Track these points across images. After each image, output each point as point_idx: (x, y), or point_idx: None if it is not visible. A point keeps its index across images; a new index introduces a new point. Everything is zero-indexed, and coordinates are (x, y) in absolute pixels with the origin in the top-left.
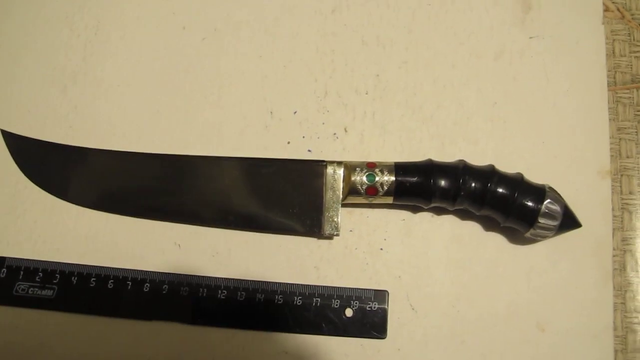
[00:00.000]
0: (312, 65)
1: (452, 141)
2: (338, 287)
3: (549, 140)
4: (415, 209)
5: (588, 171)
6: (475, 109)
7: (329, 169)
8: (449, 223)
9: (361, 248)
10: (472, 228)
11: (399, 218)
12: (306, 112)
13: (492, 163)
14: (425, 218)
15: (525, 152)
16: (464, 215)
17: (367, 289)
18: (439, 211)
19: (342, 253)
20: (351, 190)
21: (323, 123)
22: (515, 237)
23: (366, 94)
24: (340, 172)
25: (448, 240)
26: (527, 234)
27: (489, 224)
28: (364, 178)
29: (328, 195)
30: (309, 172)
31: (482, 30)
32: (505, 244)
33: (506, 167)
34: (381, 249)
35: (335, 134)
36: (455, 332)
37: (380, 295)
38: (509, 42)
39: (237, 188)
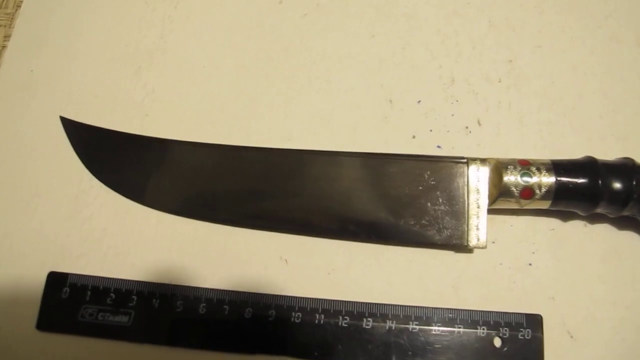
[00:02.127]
0: (433, 48)
1: (600, 137)
2: (483, 311)
3: None
4: (566, 216)
5: None
6: (622, 101)
7: (472, 168)
8: (606, 233)
9: (506, 263)
10: (633, 238)
11: (548, 227)
12: (432, 102)
13: None
14: (577, 227)
15: None
16: (623, 223)
17: (517, 313)
18: (594, 219)
19: (485, 269)
20: (502, 192)
21: (452, 114)
22: None
23: (499, 81)
24: (486, 171)
25: (605, 252)
26: None
27: None
28: (518, 178)
29: (471, 198)
30: (447, 171)
31: (621, 13)
32: None
33: None
34: (530, 264)
35: (467, 127)
36: None
37: (534, 321)
38: None
39: (359, 190)
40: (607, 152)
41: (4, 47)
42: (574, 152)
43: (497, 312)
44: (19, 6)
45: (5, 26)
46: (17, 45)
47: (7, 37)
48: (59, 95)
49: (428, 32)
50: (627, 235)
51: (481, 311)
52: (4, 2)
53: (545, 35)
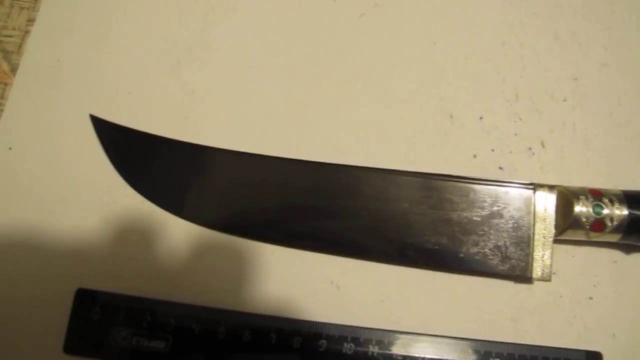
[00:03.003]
0: (497, 60)
1: None
2: (543, 347)
3: None
4: (629, 248)
5: None
6: None
7: (539, 194)
8: None
9: (567, 296)
10: None
11: (611, 259)
12: (494, 119)
13: None
14: None
15: None
16: None
17: (577, 350)
18: None
19: (545, 302)
20: (572, 223)
21: (515, 134)
22: None
23: (564, 100)
24: (553, 199)
25: None
26: None
27: None
28: (590, 210)
29: (538, 228)
30: (513, 197)
31: None
32: None
33: None
34: (590, 298)
35: (530, 148)
36: None
37: (594, 359)
38: None
39: (418, 214)
40: None
41: (27, 32)
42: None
43: (556, 347)
44: None
45: (28, 9)
46: (42, 31)
47: (30, 21)
48: (89, 89)
49: (491, 42)
50: None
51: (541, 346)
52: None
53: (612, 52)
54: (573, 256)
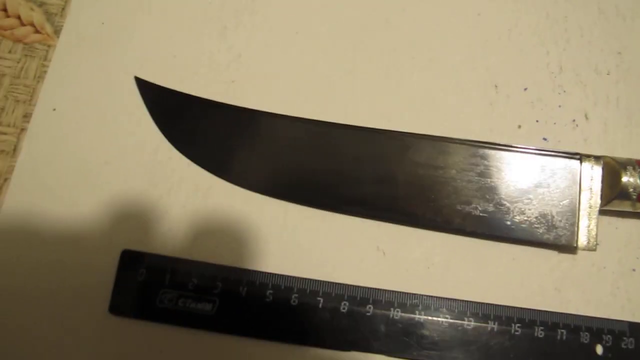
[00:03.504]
0: (542, 32)
1: None
2: (586, 317)
3: None
4: None
5: None
6: None
7: (585, 165)
8: None
9: (610, 267)
10: None
11: None
12: (538, 91)
13: None
14: None
15: None
16: None
17: (620, 321)
18: None
19: (588, 273)
20: (618, 194)
21: (559, 106)
22: None
23: (607, 74)
24: (599, 169)
25: None
26: None
27: None
28: (638, 180)
29: (583, 198)
30: (559, 167)
31: None
32: None
33: None
34: (634, 270)
35: (574, 120)
36: None
37: (638, 330)
38: None
39: (466, 181)
40: None
41: None
42: None
43: (600, 318)
44: None
45: None
46: None
47: None
48: (133, 52)
49: (536, 14)
50: None
51: (585, 316)
52: None
53: None
54: (616, 228)
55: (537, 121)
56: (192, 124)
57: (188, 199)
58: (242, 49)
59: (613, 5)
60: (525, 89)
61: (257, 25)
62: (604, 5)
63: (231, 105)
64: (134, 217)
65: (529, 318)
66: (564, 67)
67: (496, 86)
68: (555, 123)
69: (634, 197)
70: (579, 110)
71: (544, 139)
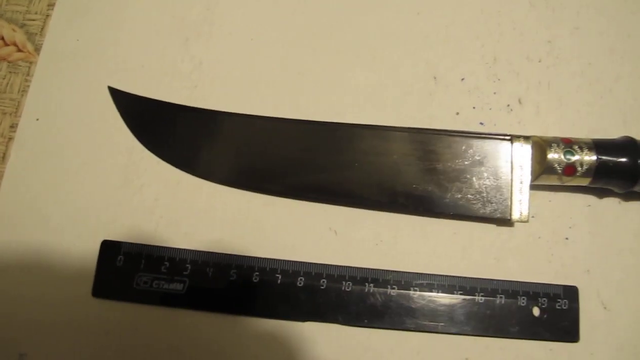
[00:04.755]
0: (477, 27)
1: (635, 118)
2: (524, 282)
3: None
4: (602, 193)
5: None
6: None
7: (516, 145)
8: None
9: (545, 237)
10: None
11: (585, 203)
12: (475, 80)
13: None
14: (612, 203)
15: None
16: None
17: (555, 285)
18: (629, 196)
19: (525, 242)
20: (545, 169)
21: (494, 92)
22: None
23: (539, 61)
24: (529, 148)
25: (639, 228)
26: None
27: None
28: (562, 156)
29: (515, 174)
30: (492, 148)
31: None
32: None
33: None
34: (567, 239)
35: (509, 105)
36: None
37: (571, 292)
38: None
39: (407, 164)
40: None
41: (48, 15)
42: (610, 132)
43: (536, 283)
44: None
45: None
46: (61, 14)
47: (51, 5)
48: (106, 65)
49: (471, 11)
50: None
51: (522, 282)
52: None
53: (583, 17)
54: (550, 201)
55: (474, 107)
56: (160, 126)
57: (159, 193)
58: (202, 57)
59: None
60: (463, 79)
61: (216, 35)
62: None
63: (194, 108)
64: (112, 210)
65: (470, 286)
66: (498, 57)
67: (435, 78)
68: (491, 108)
69: (560, 171)
70: (513, 96)
71: (481, 124)
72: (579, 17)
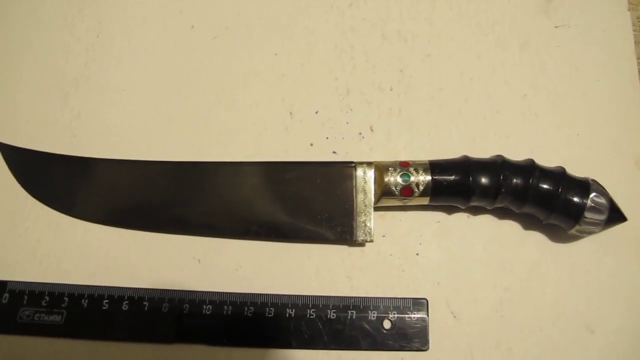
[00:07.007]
0: (331, 62)
1: (483, 136)
2: (374, 298)
3: (582, 132)
4: (450, 210)
5: (625, 162)
6: (505, 102)
7: (359, 171)
8: (487, 223)
9: (396, 254)
10: (511, 227)
11: (434, 220)
12: (328, 112)
13: (526, 157)
14: (461, 219)
15: (559, 145)
16: (502, 214)
17: (405, 298)
18: (476, 211)
19: (376, 260)
20: (384, 192)
21: (347, 122)
22: (557, 234)
23: (390, 90)
24: (371, 173)
25: (486, 241)
26: (572, 231)
27: (529, 222)
28: (398, 178)
29: (359, 198)
30: (337, 174)
31: (506, 20)
32: (547, 242)
33: (541, 161)
34: (417, 254)
35: (360, 133)
36: (501, 339)
37: (420, 304)
38: (534, 32)
39: (259, 195)
40: (489, 150)
41: None
42: (459, 151)
43: (387, 297)
44: None
45: None
46: None
47: None
48: None
49: (326, 48)
50: (506, 224)
51: (372, 297)
52: None
53: (434, 44)
54: (400, 220)
55: (327, 138)
56: (42, 174)
57: (42, 234)
58: (80, 108)
59: (395, 30)
60: (317, 112)
61: (92, 88)
62: (387, 32)
63: (70, 156)
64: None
65: (322, 303)
66: (351, 89)
67: (291, 113)
68: (343, 138)
69: (397, 192)
70: (365, 124)
71: (334, 152)
72: (430, 45)
